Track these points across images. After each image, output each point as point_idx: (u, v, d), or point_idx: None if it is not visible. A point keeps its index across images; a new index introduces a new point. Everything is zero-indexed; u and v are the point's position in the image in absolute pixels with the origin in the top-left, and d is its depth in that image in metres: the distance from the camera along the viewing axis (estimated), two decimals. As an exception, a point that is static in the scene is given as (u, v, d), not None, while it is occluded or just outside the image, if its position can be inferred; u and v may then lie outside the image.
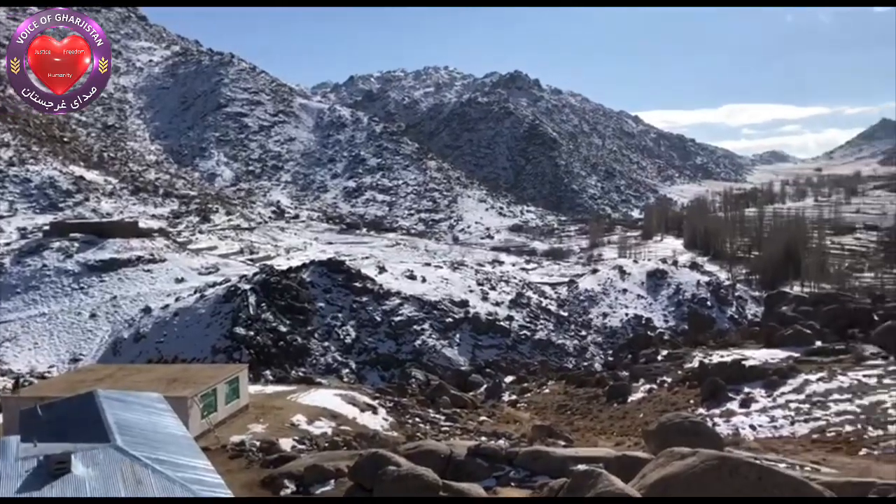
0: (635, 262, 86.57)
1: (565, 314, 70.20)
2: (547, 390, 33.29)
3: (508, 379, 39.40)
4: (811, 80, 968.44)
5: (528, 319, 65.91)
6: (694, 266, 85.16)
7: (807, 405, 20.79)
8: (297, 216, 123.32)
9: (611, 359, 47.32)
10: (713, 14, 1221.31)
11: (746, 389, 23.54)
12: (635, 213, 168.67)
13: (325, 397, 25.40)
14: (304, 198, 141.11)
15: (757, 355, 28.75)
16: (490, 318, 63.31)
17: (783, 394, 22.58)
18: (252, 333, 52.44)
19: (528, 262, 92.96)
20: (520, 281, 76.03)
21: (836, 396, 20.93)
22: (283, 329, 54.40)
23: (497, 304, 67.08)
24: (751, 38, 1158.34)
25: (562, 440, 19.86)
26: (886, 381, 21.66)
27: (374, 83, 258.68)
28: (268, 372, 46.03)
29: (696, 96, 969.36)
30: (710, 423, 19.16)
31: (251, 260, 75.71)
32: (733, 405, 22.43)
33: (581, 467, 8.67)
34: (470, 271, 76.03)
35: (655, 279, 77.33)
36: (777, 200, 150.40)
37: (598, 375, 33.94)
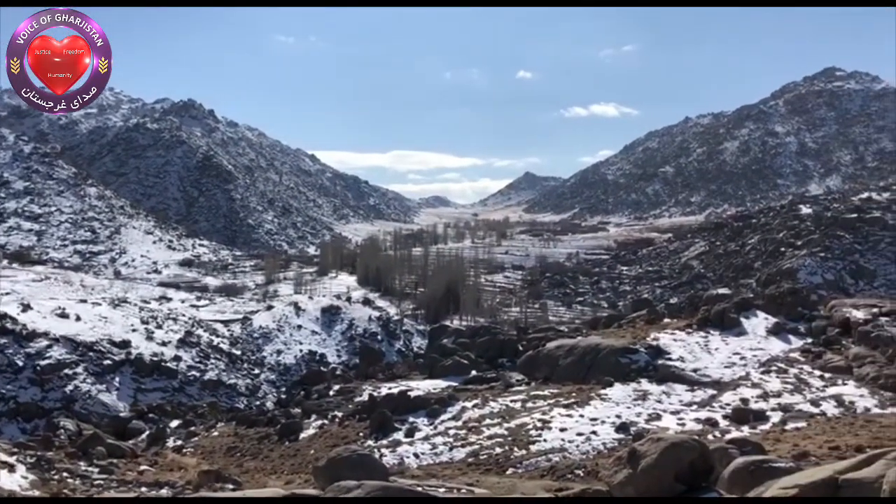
0: (311, 298, 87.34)
1: (238, 352, 68.25)
2: (216, 433, 31.82)
3: (174, 423, 36.94)
4: (467, 133, 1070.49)
5: (197, 359, 62.85)
6: (366, 302, 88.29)
7: (463, 431, 22.41)
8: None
9: (284, 396, 46.82)
10: (380, 61, 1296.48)
11: (411, 419, 24.73)
12: (311, 250, 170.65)
13: (-54, 458, 21.56)
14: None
15: (421, 386, 30.39)
16: (155, 358, 59.22)
17: (443, 421, 24.11)
18: None
19: (199, 298, 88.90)
20: (190, 318, 72.39)
21: (488, 421, 22.86)
22: None
23: (164, 343, 63.05)
24: (413, 90, 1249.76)
25: (230, 483, 19.04)
26: (529, 404, 24.19)
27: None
28: None
29: (368, 140, 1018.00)
30: (377, 455, 19.77)
31: None
32: (399, 435, 23.40)
33: (247, 511, 8.33)
34: (133, 308, 70.58)
35: (330, 315, 78.72)
36: (440, 241, 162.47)
37: (269, 414, 33.28)
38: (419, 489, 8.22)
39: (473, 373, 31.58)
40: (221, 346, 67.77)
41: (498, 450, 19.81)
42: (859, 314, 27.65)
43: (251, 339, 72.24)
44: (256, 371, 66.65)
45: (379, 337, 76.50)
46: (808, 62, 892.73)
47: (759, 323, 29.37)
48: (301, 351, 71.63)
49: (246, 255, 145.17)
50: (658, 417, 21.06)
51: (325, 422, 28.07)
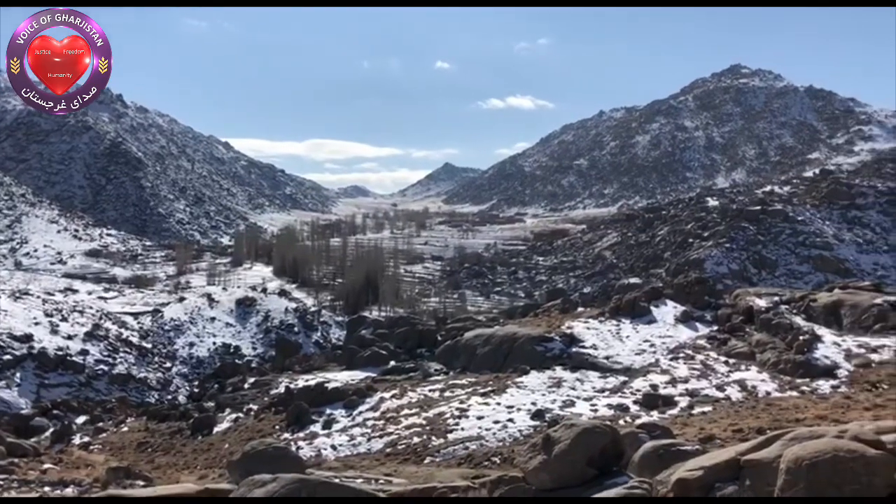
0: (225, 289, 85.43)
1: (149, 346, 66.19)
2: (126, 428, 30.88)
3: (81, 419, 35.65)
4: (384, 123, 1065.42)
5: (105, 353, 60.64)
6: (283, 293, 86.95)
7: (381, 421, 22.41)
8: None
9: (197, 390, 45.75)
10: (296, 48, 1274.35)
11: (329, 411, 24.56)
12: (225, 240, 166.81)
13: None
14: None
15: (339, 377, 30.21)
16: (60, 353, 56.84)
17: (361, 412, 24.05)
18: None
19: (107, 290, 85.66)
20: (97, 311, 69.71)
21: (406, 411, 22.92)
22: None
23: (69, 336, 60.56)
24: (330, 78, 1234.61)
25: (140, 480, 18.47)
26: (447, 394, 24.38)
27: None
28: None
29: (284, 128, 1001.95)
30: (294, 447, 19.54)
31: None
32: (316, 427, 23.21)
33: (157, 509, 8.10)
34: (36, 301, 67.43)
35: (245, 307, 77.17)
36: (359, 231, 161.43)
37: (182, 408, 32.51)
38: (336, 481, 8.17)
39: (392, 363, 31.61)
40: (131, 339, 65.60)
41: (416, 439, 19.90)
42: (762, 302, 28.91)
43: (162, 331, 70.15)
44: (168, 364, 64.82)
45: (296, 329, 75.49)
46: (715, 59, 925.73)
47: (668, 311, 30.37)
48: (215, 343, 70.03)
49: (156, 246, 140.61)
50: (572, 404, 21.54)
51: (240, 415, 27.60)
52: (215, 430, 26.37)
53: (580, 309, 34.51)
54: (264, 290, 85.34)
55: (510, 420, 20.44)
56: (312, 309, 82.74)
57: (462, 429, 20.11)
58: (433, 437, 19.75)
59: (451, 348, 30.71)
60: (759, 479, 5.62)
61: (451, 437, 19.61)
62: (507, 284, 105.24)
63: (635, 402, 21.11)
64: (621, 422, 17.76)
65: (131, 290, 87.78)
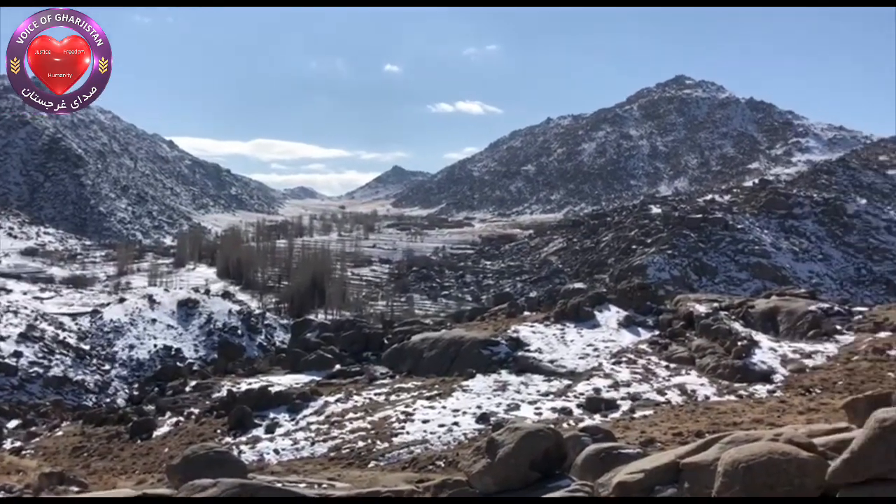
0: (167, 290, 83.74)
1: (86, 347, 64.49)
2: (60, 433, 29.96)
3: (12, 423, 34.49)
4: (332, 125, 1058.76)
5: (40, 355, 58.90)
6: (226, 295, 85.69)
7: (326, 425, 22.23)
8: None
9: (136, 393, 44.70)
10: (242, 46, 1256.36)
11: (272, 415, 24.26)
12: (168, 241, 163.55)
13: None
14: None
15: (283, 381, 29.87)
16: (-8, 354, 55.01)
17: (305, 416, 23.81)
18: None
19: (43, 290, 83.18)
20: (32, 311, 67.62)
21: (351, 415, 22.79)
22: None
23: (2, 338, 58.67)
24: (277, 77, 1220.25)
25: (75, 485, 17.93)
26: (392, 397, 24.34)
27: None
28: None
29: (229, 128, 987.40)
30: (236, 452, 19.24)
31: None
32: (259, 431, 22.90)
33: (92, 515, 7.88)
34: (-33, 300, 65.19)
35: (187, 308, 75.77)
36: (306, 233, 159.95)
37: (120, 412, 31.72)
38: (278, 485, 8.07)
39: (337, 367, 31.39)
40: (68, 340, 63.80)
41: (360, 443, 19.79)
42: (701, 308, 29.57)
43: (101, 333, 68.40)
44: (107, 367, 63.23)
45: (239, 331, 74.41)
46: (660, 69, 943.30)
47: (611, 316, 30.81)
48: (155, 346, 68.57)
49: (96, 245, 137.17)
50: (517, 407, 21.70)
51: (181, 419, 27.06)
52: (155, 434, 25.80)
53: (526, 313, 34.78)
54: (207, 292, 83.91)
55: (455, 424, 20.48)
56: (257, 311, 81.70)
57: (407, 433, 20.08)
58: (378, 441, 19.68)
59: (398, 352, 30.64)
60: (698, 481, 5.73)
61: (396, 440, 19.57)
62: (455, 288, 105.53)
63: (579, 406, 21.36)
64: (565, 425, 17.93)
65: (69, 290, 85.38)
